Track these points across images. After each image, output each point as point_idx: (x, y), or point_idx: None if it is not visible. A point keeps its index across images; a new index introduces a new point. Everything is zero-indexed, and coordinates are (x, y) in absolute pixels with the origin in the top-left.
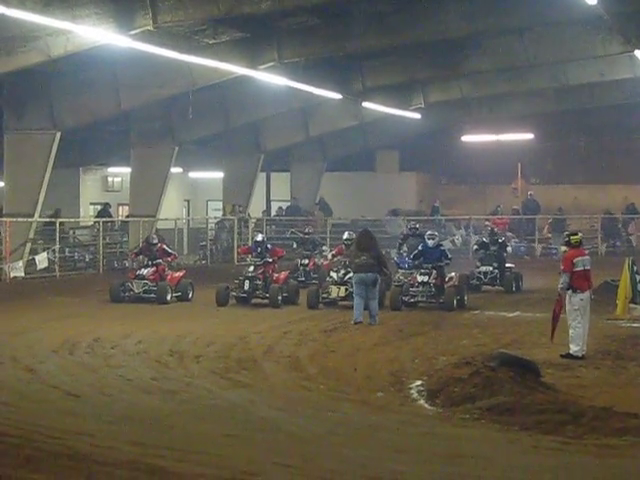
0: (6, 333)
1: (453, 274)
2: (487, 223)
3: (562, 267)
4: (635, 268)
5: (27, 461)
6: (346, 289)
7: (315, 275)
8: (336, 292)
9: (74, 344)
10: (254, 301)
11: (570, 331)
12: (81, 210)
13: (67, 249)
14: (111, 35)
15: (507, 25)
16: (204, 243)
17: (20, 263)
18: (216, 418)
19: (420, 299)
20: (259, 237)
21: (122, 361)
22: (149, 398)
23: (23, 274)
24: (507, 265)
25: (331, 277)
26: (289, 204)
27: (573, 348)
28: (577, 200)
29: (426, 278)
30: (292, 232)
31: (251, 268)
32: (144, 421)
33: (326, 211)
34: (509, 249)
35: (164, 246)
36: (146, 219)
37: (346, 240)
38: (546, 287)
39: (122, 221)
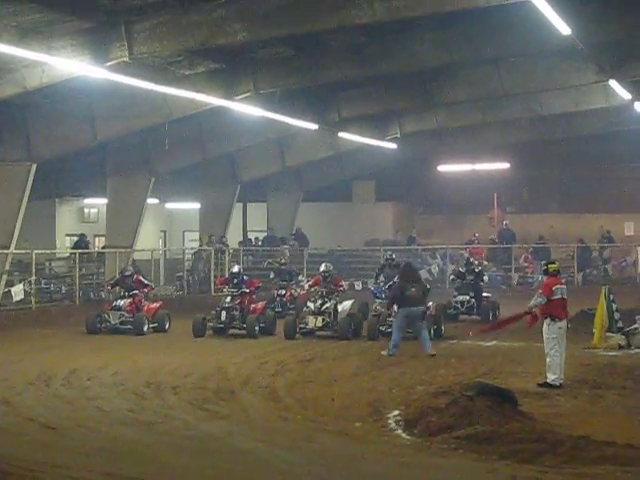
0: None
1: (430, 304)
2: (464, 253)
3: (540, 291)
4: (612, 297)
5: None
6: (323, 319)
7: (292, 305)
8: (313, 322)
9: (50, 376)
10: (231, 332)
11: (547, 360)
12: (57, 241)
13: (43, 280)
14: (87, 66)
15: (482, 56)
16: (181, 274)
17: None
18: (194, 450)
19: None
20: (235, 268)
21: (99, 393)
22: (126, 430)
23: None
24: (484, 294)
25: (308, 307)
26: (265, 234)
27: (550, 377)
28: (553, 229)
29: None
30: (269, 262)
31: (228, 299)
32: (121, 453)
33: (303, 241)
34: (485, 278)
35: (140, 277)
36: (123, 250)
37: (323, 272)
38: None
39: (98, 252)
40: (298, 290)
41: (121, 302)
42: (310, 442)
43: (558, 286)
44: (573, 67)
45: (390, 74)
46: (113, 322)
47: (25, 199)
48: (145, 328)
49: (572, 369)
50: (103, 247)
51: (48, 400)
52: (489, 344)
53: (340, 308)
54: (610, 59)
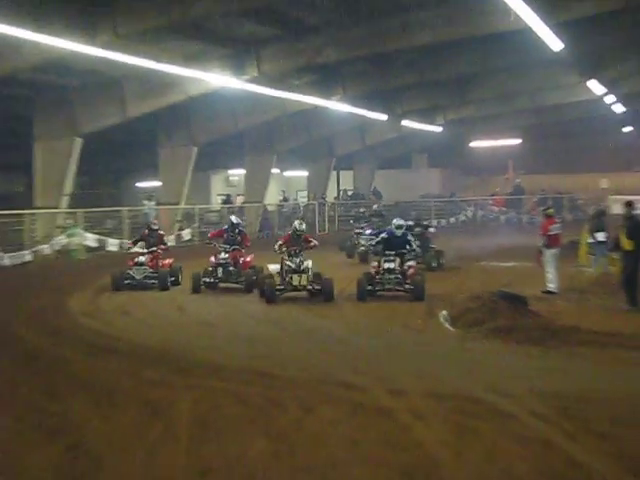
0: None
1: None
2: (490, 202)
3: (541, 233)
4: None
5: (180, 370)
6: (307, 277)
7: None
8: (298, 280)
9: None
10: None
11: (548, 275)
12: (212, 199)
13: (203, 226)
14: (230, 80)
15: (499, 65)
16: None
17: (172, 237)
18: (306, 339)
19: (388, 287)
20: (234, 219)
21: (245, 303)
22: (262, 326)
23: (174, 244)
24: (431, 246)
25: (287, 265)
26: (352, 191)
27: (550, 286)
28: (552, 185)
29: (392, 265)
30: (356, 211)
31: (222, 254)
32: (257, 340)
33: (378, 196)
34: (431, 229)
35: (164, 236)
36: (256, 204)
37: (295, 230)
38: (530, 244)
39: (239, 206)
40: None
41: (142, 258)
42: (387, 333)
43: (552, 225)
44: (562, 71)
45: (437, 80)
46: (138, 277)
47: (190, 171)
48: (168, 283)
49: (565, 281)
50: (243, 202)
51: (209, 306)
52: (509, 265)
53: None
54: (588, 67)
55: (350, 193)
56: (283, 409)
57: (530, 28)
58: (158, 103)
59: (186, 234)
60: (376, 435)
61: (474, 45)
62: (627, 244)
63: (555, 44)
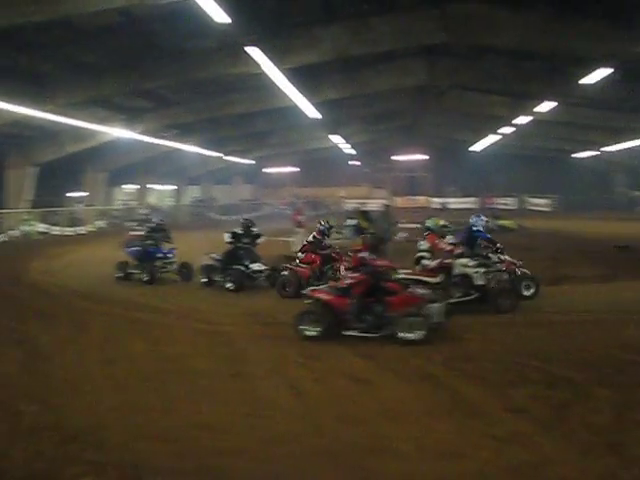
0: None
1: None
2: (280, 203)
3: (295, 219)
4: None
5: (97, 302)
6: None
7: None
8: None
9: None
10: None
11: (293, 241)
12: (115, 203)
13: (110, 219)
14: (126, 132)
15: (283, 125)
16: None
17: (91, 226)
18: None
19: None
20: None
21: None
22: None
23: (95, 229)
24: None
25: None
26: (200, 198)
27: (294, 248)
28: (313, 193)
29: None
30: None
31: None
32: (156, 288)
33: (215, 201)
34: (262, 239)
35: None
36: (142, 206)
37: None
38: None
39: (133, 207)
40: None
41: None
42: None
43: (301, 216)
44: (318, 130)
45: (248, 133)
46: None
47: (103, 186)
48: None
49: None
50: (135, 205)
51: None
52: (288, 239)
53: None
54: (331, 127)
55: (199, 198)
56: (157, 326)
57: (298, 105)
58: (84, 145)
59: (101, 224)
60: (210, 340)
61: (269, 114)
62: (366, 225)
63: (315, 114)
